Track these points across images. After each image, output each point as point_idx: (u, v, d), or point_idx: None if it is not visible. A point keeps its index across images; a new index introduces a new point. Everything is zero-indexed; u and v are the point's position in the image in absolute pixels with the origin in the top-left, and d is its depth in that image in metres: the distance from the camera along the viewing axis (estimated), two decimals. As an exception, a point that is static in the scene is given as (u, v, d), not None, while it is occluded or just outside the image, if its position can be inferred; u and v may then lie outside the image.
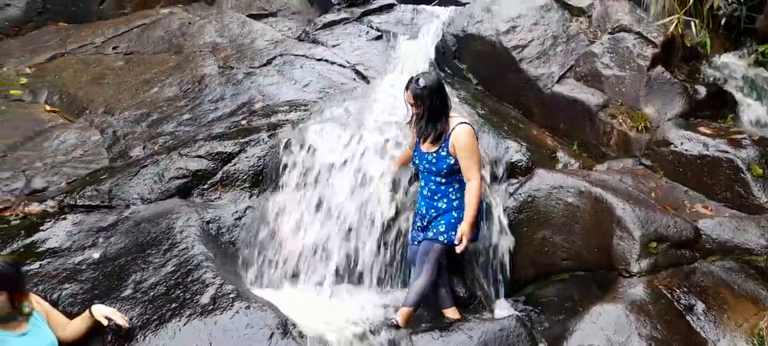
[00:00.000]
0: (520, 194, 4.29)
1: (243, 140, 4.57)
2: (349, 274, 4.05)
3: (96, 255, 3.64)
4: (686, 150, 4.50)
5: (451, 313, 3.75)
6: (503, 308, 4.02)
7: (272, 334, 3.08)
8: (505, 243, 4.14)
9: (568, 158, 4.90)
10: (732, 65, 5.51)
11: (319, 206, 4.19)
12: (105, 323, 3.04)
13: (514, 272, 4.20)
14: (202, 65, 5.91)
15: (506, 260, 4.14)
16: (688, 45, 5.56)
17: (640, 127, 4.92)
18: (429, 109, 3.64)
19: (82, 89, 5.72)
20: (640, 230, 3.80)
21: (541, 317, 3.97)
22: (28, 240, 3.73)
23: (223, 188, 4.37)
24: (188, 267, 3.48)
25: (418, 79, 3.68)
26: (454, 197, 3.71)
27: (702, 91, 5.11)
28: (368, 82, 5.79)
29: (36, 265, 3.53)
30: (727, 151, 4.33)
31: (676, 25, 5.37)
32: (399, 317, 3.53)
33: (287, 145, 4.42)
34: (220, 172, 4.40)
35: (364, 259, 4.04)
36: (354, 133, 4.43)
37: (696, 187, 4.41)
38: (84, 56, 6.37)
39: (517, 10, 5.70)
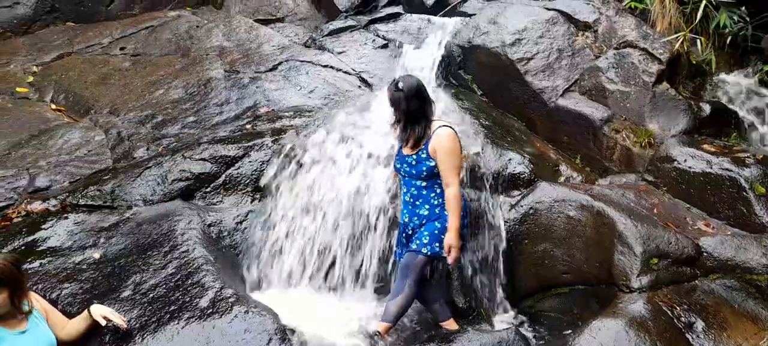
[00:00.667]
0: (521, 205, 4.29)
1: (247, 144, 4.58)
2: (353, 280, 4.04)
3: (96, 255, 3.64)
4: (689, 167, 4.50)
5: (449, 325, 3.69)
6: (502, 320, 4.01)
7: (270, 339, 3.08)
8: (505, 255, 4.13)
9: (571, 172, 4.90)
10: (737, 84, 5.52)
11: (320, 212, 4.19)
12: (103, 323, 3.04)
13: (514, 284, 4.19)
14: (208, 69, 5.94)
15: (503, 271, 4.13)
16: (694, 62, 5.57)
17: (643, 143, 4.92)
18: (406, 112, 3.55)
19: (88, 89, 5.74)
20: (642, 246, 3.79)
21: (540, 330, 3.96)
22: (30, 238, 3.74)
23: (226, 191, 4.38)
24: (188, 270, 3.49)
25: (397, 82, 3.62)
26: (436, 203, 3.57)
27: (706, 108, 5.11)
28: (373, 90, 5.81)
29: (36, 263, 3.54)
30: (730, 170, 4.32)
31: (682, 43, 5.38)
32: (380, 329, 3.52)
33: (290, 151, 4.43)
34: (223, 175, 4.41)
35: (366, 266, 4.04)
36: (356, 140, 4.44)
37: (698, 204, 4.40)
38: (91, 56, 6.40)
39: (523, 23, 5.71)
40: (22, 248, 3.66)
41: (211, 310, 3.20)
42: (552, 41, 5.60)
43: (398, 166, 3.69)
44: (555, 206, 4.18)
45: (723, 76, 5.60)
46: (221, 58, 6.20)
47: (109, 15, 7.50)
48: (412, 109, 3.55)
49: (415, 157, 3.57)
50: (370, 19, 6.89)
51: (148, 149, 4.89)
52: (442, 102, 5.28)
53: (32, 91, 5.73)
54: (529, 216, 4.23)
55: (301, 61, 6.09)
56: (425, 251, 3.52)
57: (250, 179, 4.42)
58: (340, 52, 6.35)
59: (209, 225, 4.02)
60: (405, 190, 3.69)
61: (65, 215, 3.94)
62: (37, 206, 4.03)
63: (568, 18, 5.76)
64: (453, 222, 3.46)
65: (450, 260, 3.51)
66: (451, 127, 3.58)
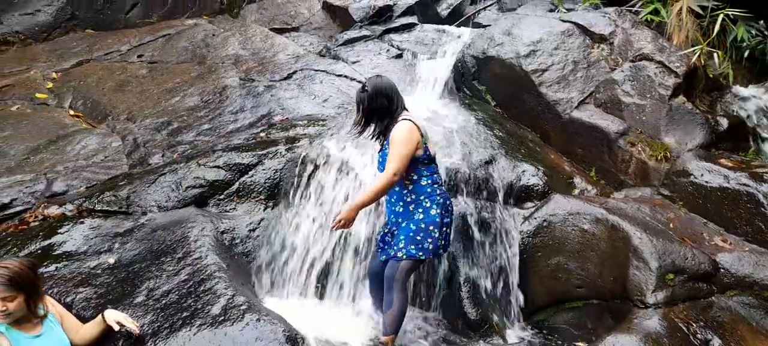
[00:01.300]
0: (535, 218, 4.26)
1: (261, 152, 4.61)
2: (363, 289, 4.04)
3: (111, 260, 3.67)
4: (706, 182, 4.44)
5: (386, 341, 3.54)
6: (515, 334, 3.97)
7: (281, 348, 3.07)
8: (518, 268, 4.10)
9: (586, 185, 4.87)
10: (755, 98, 5.45)
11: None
12: (117, 328, 3.06)
13: (527, 297, 4.15)
14: (224, 77, 5.99)
15: (516, 283, 4.09)
16: (711, 76, 5.51)
17: (659, 157, 4.86)
18: (369, 109, 3.53)
19: (105, 96, 5.82)
20: (657, 261, 3.74)
21: (553, 344, 3.91)
22: (46, 243, 3.78)
23: (239, 199, 4.40)
24: (201, 277, 3.50)
25: (364, 83, 3.60)
26: (408, 200, 3.48)
27: (723, 122, 5.05)
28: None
29: (52, 267, 3.58)
30: (747, 185, 4.26)
31: (699, 56, 5.33)
32: (384, 341, 3.51)
33: (304, 160, 4.45)
34: (237, 183, 4.44)
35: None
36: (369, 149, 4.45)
37: (715, 219, 4.34)
38: (109, 63, 6.50)
39: (538, 34, 5.70)
40: (39, 251, 3.71)
41: (222, 317, 3.21)
42: (567, 53, 5.58)
43: (378, 167, 3.66)
44: (569, 218, 4.14)
45: (741, 90, 5.53)
46: (237, 67, 6.26)
47: (128, 23, 7.63)
48: (374, 108, 3.53)
49: (381, 153, 3.58)
50: (384, 29, 6.93)
51: (163, 156, 4.94)
52: (454, 112, 5.30)
53: (51, 97, 5.82)
54: (543, 229, 4.20)
55: (316, 70, 6.13)
56: (401, 255, 3.44)
57: (264, 187, 4.44)
58: (354, 62, 6.38)
59: (222, 232, 4.04)
60: None
61: (81, 220, 3.98)
62: (53, 210, 4.08)
63: (584, 30, 5.74)
64: (359, 200, 3.41)
65: (331, 225, 3.37)
66: (411, 120, 3.50)
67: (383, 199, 3.67)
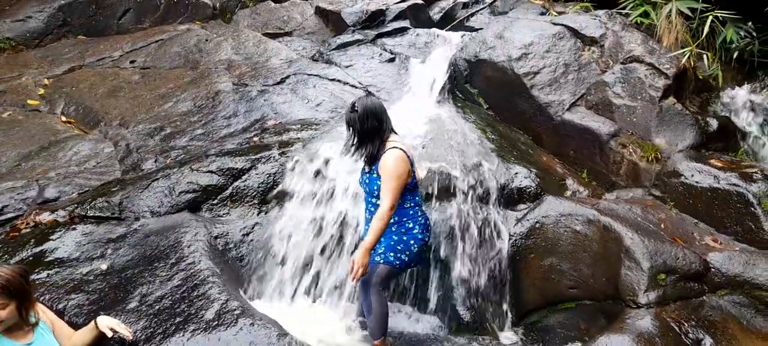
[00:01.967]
0: (528, 219, 4.28)
1: (254, 157, 4.61)
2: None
3: (104, 266, 3.66)
4: (697, 182, 4.48)
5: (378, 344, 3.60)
6: (508, 336, 3.99)
7: (275, 352, 3.07)
8: (511, 269, 4.11)
9: (578, 186, 4.90)
10: (744, 99, 5.50)
11: (324, 224, 4.20)
12: (110, 335, 3.05)
13: (520, 298, 4.17)
14: (217, 82, 5.99)
15: (511, 286, 4.11)
16: (700, 78, 5.57)
17: (650, 158, 4.90)
18: (360, 132, 3.52)
19: (98, 101, 5.80)
20: (649, 261, 3.77)
21: (546, 345, 3.93)
22: (38, 249, 3.77)
23: (233, 203, 4.40)
24: (194, 282, 3.50)
25: (354, 103, 3.58)
26: (393, 221, 3.50)
27: (713, 123, 5.10)
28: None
29: (44, 274, 3.56)
30: (737, 185, 4.30)
31: (689, 58, 5.38)
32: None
33: (296, 165, 4.45)
34: (231, 187, 4.44)
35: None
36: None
37: (706, 219, 4.38)
38: (101, 69, 6.48)
39: (530, 37, 5.74)
40: (30, 258, 3.69)
41: (216, 322, 3.21)
42: (558, 56, 5.61)
43: (360, 183, 3.69)
44: (561, 220, 4.17)
45: (730, 91, 5.59)
46: (230, 72, 6.26)
47: (120, 29, 7.61)
48: (365, 129, 3.52)
49: (368, 176, 3.58)
50: (377, 34, 6.95)
51: (156, 161, 4.93)
52: (447, 115, 5.33)
53: (43, 103, 5.80)
54: (536, 230, 4.22)
55: (309, 75, 6.14)
56: (379, 259, 3.49)
57: (257, 192, 4.44)
58: (347, 66, 6.40)
59: (216, 237, 4.04)
60: (365, 206, 3.68)
61: (73, 226, 3.97)
62: (45, 217, 4.06)
63: (575, 33, 5.78)
64: (368, 240, 3.39)
65: (351, 276, 3.39)
66: (401, 149, 3.51)
67: (363, 216, 3.71)
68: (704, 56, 5.69)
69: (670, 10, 5.71)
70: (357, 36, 6.95)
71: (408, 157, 3.52)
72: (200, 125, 5.40)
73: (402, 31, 7.02)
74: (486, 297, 4.08)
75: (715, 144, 5.04)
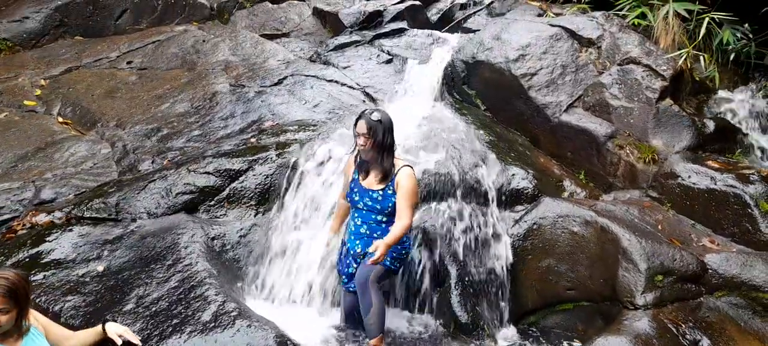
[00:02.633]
0: (525, 221, 4.28)
1: (251, 158, 4.60)
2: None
3: (100, 268, 3.65)
4: (694, 183, 4.49)
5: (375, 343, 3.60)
6: (505, 337, 3.98)
7: (272, 353, 3.07)
8: (508, 270, 4.11)
9: (575, 187, 4.90)
10: (741, 100, 5.52)
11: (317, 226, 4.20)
12: (119, 342, 3.00)
13: (518, 300, 4.17)
14: (214, 83, 5.98)
15: (509, 287, 4.11)
16: (697, 79, 5.59)
17: (647, 159, 4.91)
18: (380, 144, 3.50)
19: (95, 102, 5.79)
20: (646, 263, 3.78)
21: (544, 347, 3.94)
22: (34, 251, 3.75)
23: (230, 205, 4.39)
24: (191, 283, 3.49)
25: (372, 112, 3.58)
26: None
27: (710, 125, 5.11)
28: (377, 105, 5.83)
29: (40, 276, 3.55)
30: (734, 186, 4.31)
31: (685, 59, 5.40)
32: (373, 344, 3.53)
33: (294, 165, 4.45)
34: (228, 189, 4.43)
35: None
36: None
37: (703, 221, 4.39)
38: (98, 70, 6.47)
39: (527, 39, 5.74)
40: (27, 260, 3.67)
41: (213, 324, 3.20)
42: (556, 57, 5.62)
43: (356, 198, 3.62)
44: (559, 221, 4.17)
45: (727, 92, 5.61)
46: (227, 73, 6.25)
47: (117, 29, 7.59)
48: (385, 142, 3.53)
49: (381, 193, 3.55)
50: (374, 35, 6.95)
51: (153, 162, 4.92)
52: (444, 117, 5.33)
53: (40, 104, 5.78)
54: (533, 231, 4.22)
55: (306, 76, 6.13)
56: (383, 261, 3.47)
57: (254, 193, 4.43)
58: (344, 67, 6.40)
59: (213, 238, 4.03)
60: (359, 222, 3.63)
61: (70, 228, 3.96)
62: (42, 218, 4.05)
63: (572, 34, 5.79)
64: (390, 238, 3.44)
65: (370, 260, 3.39)
66: (411, 166, 3.62)
67: (349, 228, 3.71)
68: (701, 58, 5.71)
69: (667, 12, 5.73)
70: (355, 37, 6.95)
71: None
72: (197, 126, 5.39)
73: (400, 32, 7.02)
74: (484, 298, 4.07)
75: (712, 145, 5.05)
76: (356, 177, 3.63)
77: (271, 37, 7.43)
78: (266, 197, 4.42)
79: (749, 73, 5.92)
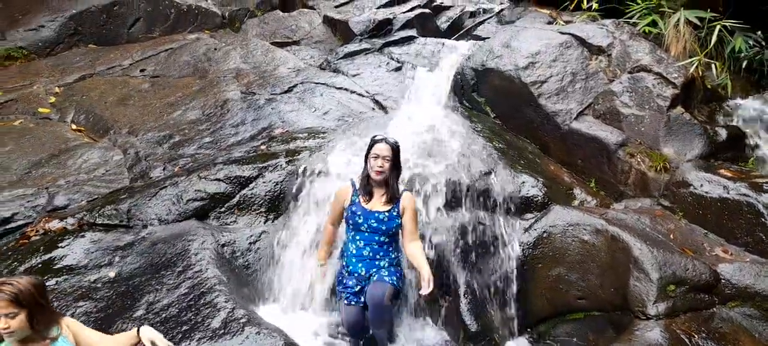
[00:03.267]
0: (535, 229, 4.26)
1: (261, 165, 4.63)
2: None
3: (111, 274, 3.68)
4: (706, 192, 4.45)
5: None
6: (516, 346, 3.96)
7: (281, 361, 3.07)
8: (518, 279, 4.09)
9: (585, 195, 4.87)
10: (754, 108, 5.46)
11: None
12: None
13: (528, 309, 4.14)
14: (225, 90, 6.03)
15: (519, 296, 4.09)
16: (709, 87, 5.54)
17: (658, 168, 4.87)
18: (397, 166, 3.70)
19: (107, 110, 5.85)
20: (658, 272, 3.74)
21: (554, 356, 3.91)
22: (47, 256, 3.79)
23: (240, 211, 4.41)
24: (201, 290, 3.50)
25: (386, 137, 3.75)
26: (393, 257, 3.68)
27: (722, 133, 5.06)
28: (386, 112, 5.85)
29: (53, 281, 3.58)
30: (747, 195, 4.26)
31: (697, 67, 5.36)
32: None
33: (304, 172, 4.46)
34: (238, 195, 4.45)
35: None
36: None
37: (716, 230, 4.34)
38: (111, 78, 6.55)
39: (537, 46, 5.73)
40: (39, 266, 3.71)
41: (222, 330, 3.21)
42: (565, 65, 5.60)
43: (360, 220, 3.65)
44: (569, 229, 4.14)
45: (739, 100, 5.55)
46: (238, 80, 6.30)
47: (131, 38, 7.69)
48: (399, 166, 3.74)
49: (387, 214, 3.63)
50: (384, 43, 6.98)
51: (164, 169, 4.96)
52: (454, 124, 5.32)
53: (54, 111, 5.86)
54: (543, 240, 4.20)
55: (316, 83, 6.16)
56: (390, 281, 3.56)
57: (264, 200, 4.45)
58: (354, 75, 6.42)
59: (223, 245, 4.05)
60: (362, 244, 3.66)
61: (82, 234, 3.99)
62: (55, 224, 4.09)
63: (582, 42, 5.77)
64: (425, 262, 3.56)
65: (425, 291, 3.43)
66: (410, 191, 3.89)
67: (351, 251, 3.72)
68: (713, 66, 5.66)
69: (678, 20, 5.70)
70: (364, 45, 6.98)
71: None
72: (208, 133, 5.43)
73: (409, 40, 7.05)
74: (493, 307, 4.06)
75: (724, 154, 5.00)
76: (356, 200, 3.69)
77: (281, 45, 7.49)
78: (276, 204, 4.43)
79: (762, 80, 5.86)
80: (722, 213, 4.33)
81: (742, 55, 5.74)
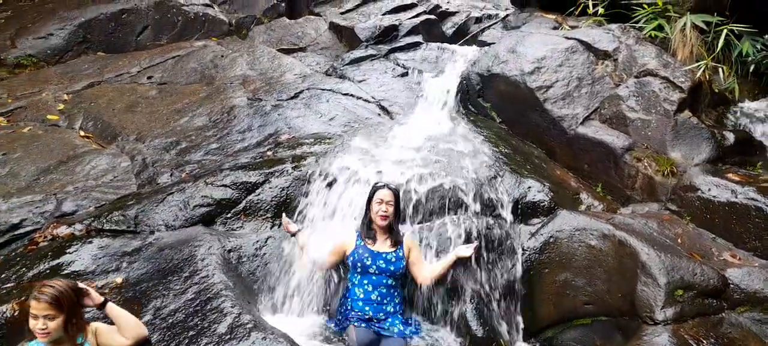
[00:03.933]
0: (541, 234, 4.25)
1: (268, 171, 4.64)
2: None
3: (119, 279, 3.70)
4: (714, 196, 4.42)
5: None
6: (522, 352, 3.94)
7: (287, 366, 3.07)
8: (525, 284, 4.08)
9: (592, 200, 4.85)
10: (761, 112, 5.43)
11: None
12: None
13: (534, 314, 4.12)
14: (232, 96, 6.07)
15: (525, 301, 4.07)
16: (716, 91, 5.51)
17: (666, 172, 4.85)
18: (399, 210, 3.92)
19: (115, 116, 5.90)
20: (666, 277, 3.71)
21: (561, 362, 3.88)
22: (55, 262, 3.82)
23: (246, 217, 4.42)
24: (207, 295, 3.51)
25: (388, 182, 3.93)
26: (398, 301, 3.81)
27: (730, 137, 5.03)
28: (392, 118, 5.86)
29: (61, 286, 3.60)
30: (756, 199, 4.23)
31: (704, 71, 5.33)
32: None
33: (309, 178, 4.48)
34: (244, 201, 4.47)
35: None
36: (374, 167, 4.47)
37: (724, 234, 4.31)
38: (119, 85, 6.60)
39: (542, 51, 5.73)
40: (47, 271, 3.74)
41: (229, 336, 3.21)
42: (571, 70, 5.60)
43: (368, 262, 3.75)
44: (576, 234, 4.13)
45: (747, 104, 5.52)
46: (244, 87, 6.34)
47: (139, 45, 7.76)
48: (400, 209, 3.97)
49: (393, 254, 3.77)
50: (390, 49, 7.00)
51: (171, 175, 4.99)
52: (460, 129, 5.33)
53: (62, 118, 5.91)
54: (550, 245, 4.18)
55: (322, 90, 6.19)
56: (405, 332, 3.70)
57: (271, 205, 4.47)
58: (360, 81, 6.44)
59: (229, 251, 4.06)
60: (370, 288, 3.75)
61: (90, 240, 4.02)
62: (63, 230, 4.12)
63: (588, 47, 5.76)
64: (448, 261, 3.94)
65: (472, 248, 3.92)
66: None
67: (360, 295, 3.78)
68: (720, 69, 5.63)
69: (685, 24, 5.68)
70: (370, 51, 7.00)
71: None
72: (215, 140, 5.46)
73: (415, 46, 7.06)
74: (499, 312, 4.04)
75: (732, 158, 4.96)
76: (361, 244, 3.80)
77: (288, 51, 7.53)
78: (282, 210, 4.45)
79: (770, 84, 5.82)
80: (730, 217, 4.30)
81: (750, 59, 5.71)
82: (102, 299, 2.93)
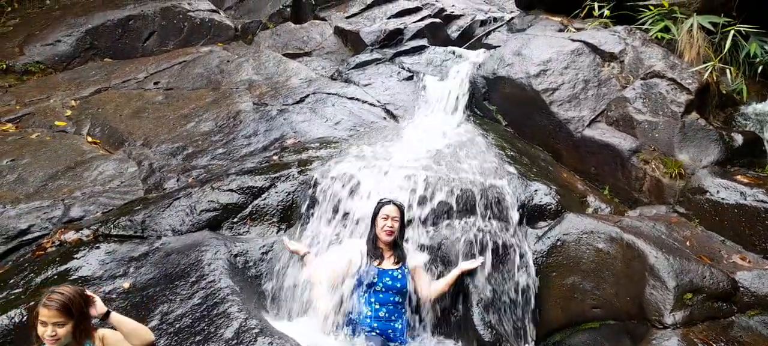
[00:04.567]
0: (548, 237, 4.22)
1: (274, 175, 4.65)
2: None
3: (126, 285, 3.71)
4: (723, 199, 4.38)
5: None
6: (530, 356, 3.92)
7: (294, 371, 3.06)
8: (532, 288, 4.05)
9: (599, 203, 4.82)
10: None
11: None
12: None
13: (542, 318, 4.10)
14: (237, 101, 6.08)
15: (533, 305, 4.05)
16: (724, 92, 5.47)
17: (673, 174, 4.81)
18: (404, 226, 3.94)
19: (122, 122, 5.93)
20: (675, 280, 3.68)
21: (569, 366, 3.85)
22: (62, 268, 3.83)
23: (252, 221, 4.43)
24: (214, 300, 3.52)
25: (393, 199, 3.93)
26: (405, 319, 3.83)
27: (738, 138, 4.99)
28: (398, 122, 5.86)
29: (69, 292, 3.61)
30: (765, 202, 4.19)
31: (711, 72, 5.30)
32: None
33: (316, 183, 4.48)
34: (250, 206, 4.47)
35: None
36: (381, 170, 4.46)
37: (733, 237, 4.27)
38: (126, 91, 6.64)
39: (548, 54, 5.72)
40: (55, 277, 3.75)
41: (235, 341, 3.21)
42: (577, 72, 5.58)
43: (375, 280, 3.77)
44: (583, 237, 4.10)
45: (755, 105, 5.48)
46: (250, 92, 6.35)
47: (145, 51, 7.80)
48: (405, 226, 3.97)
49: (399, 271, 3.80)
50: (395, 52, 7.00)
51: (178, 180, 5.00)
52: (465, 132, 5.32)
53: (70, 124, 5.94)
54: (557, 248, 4.16)
55: (328, 94, 6.19)
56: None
57: (277, 210, 4.47)
58: (365, 85, 6.44)
59: (235, 255, 4.06)
60: (378, 306, 3.76)
61: (97, 245, 4.03)
62: (70, 235, 4.14)
63: (594, 49, 5.74)
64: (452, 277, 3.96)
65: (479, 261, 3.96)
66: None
67: (369, 312, 3.78)
68: (727, 71, 5.60)
69: (691, 25, 5.64)
70: (375, 55, 7.01)
71: None
72: (221, 144, 5.48)
73: (420, 49, 7.06)
74: (507, 317, 4.02)
75: (740, 159, 4.92)
76: (367, 261, 3.83)
77: (293, 56, 7.54)
78: (288, 214, 4.45)
79: (778, 85, 5.77)
80: (739, 220, 4.26)
81: (758, 60, 5.67)
82: (105, 309, 2.92)
